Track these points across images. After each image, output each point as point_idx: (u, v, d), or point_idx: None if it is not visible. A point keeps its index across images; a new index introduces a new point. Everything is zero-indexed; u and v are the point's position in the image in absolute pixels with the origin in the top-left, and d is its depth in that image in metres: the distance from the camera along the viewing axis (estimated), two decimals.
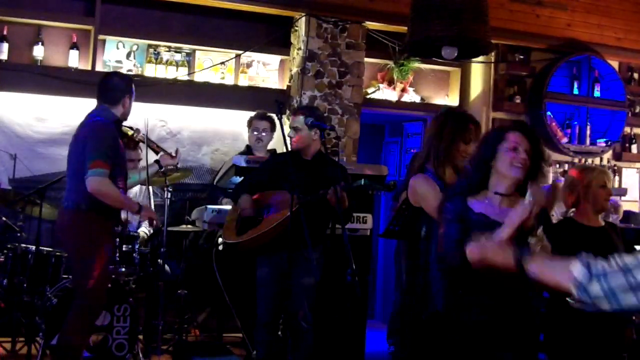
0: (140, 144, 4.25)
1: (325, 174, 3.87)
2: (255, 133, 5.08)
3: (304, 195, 3.66)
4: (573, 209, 3.62)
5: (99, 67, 5.43)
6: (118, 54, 5.57)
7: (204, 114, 5.88)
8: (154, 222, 4.01)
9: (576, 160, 6.73)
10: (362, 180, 3.64)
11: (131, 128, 4.12)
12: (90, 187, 3.57)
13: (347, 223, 4.04)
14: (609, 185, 3.50)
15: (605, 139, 6.77)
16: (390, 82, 6.29)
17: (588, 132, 6.76)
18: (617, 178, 6.85)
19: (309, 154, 3.99)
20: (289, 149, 3.97)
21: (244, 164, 4.57)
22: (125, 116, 3.85)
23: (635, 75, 7.08)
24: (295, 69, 5.81)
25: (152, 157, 4.33)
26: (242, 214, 3.94)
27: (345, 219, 3.85)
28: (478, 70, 6.53)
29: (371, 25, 5.95)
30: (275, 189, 3.95)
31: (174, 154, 4.32)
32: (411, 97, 6.39)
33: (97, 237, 3.71)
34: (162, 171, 4.27)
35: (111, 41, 5.54)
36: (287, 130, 4.05)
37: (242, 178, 4.35)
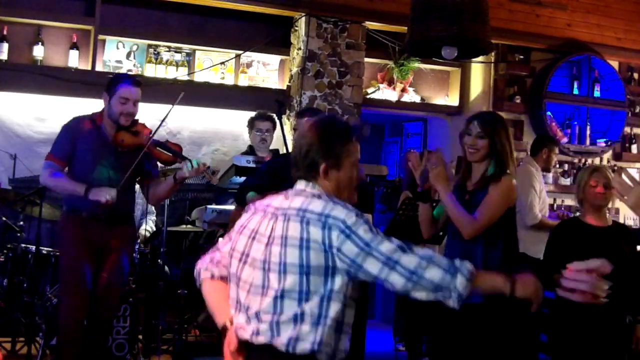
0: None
1: None
2: (259, 134, 5.04)
3: None
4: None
5: (99, 67, 5.43)
6: (118, 54, 5.57)
7: (204, 114, 5.88)
8: (104, 200, 3.50)
9: (576, 160, 6.73)
10: (367, 178, 3.67)
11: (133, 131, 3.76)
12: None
13: None
14: (602, 183, 3.51)
15: (605, 139, 6.77)
16: (390, 82, 6.29)
17: (588, 132, 6.75)
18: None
19: None
20: (289, 150, 3.97)
21: (244, 164, 4.57)
22: (108, 113, 3.68)
23: (635, 75, 7.07)
24: (295, 69, 5.81)
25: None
26: None
27: None
28: (478, 70, 6.53)
29: (371, 25, 5.95)
30: (277, 190, 3.95)
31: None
32: (411, 97, 6.39)
33: (67, 243, 3.68)
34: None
35: (111, 41, 5.54)
36: (287, 130, 4.04)
37: (245, 180, 4.34)
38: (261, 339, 1.96)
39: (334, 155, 2.08)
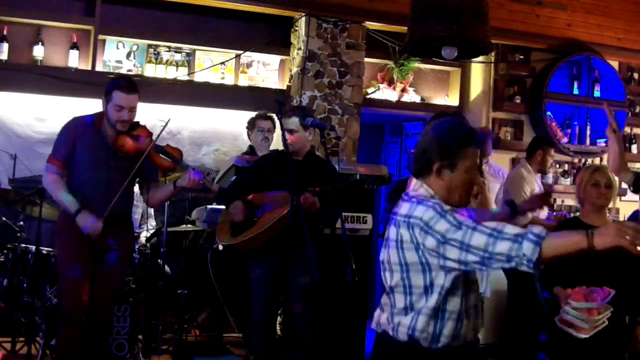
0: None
1: (316, 174, 3.88)
2: (261, 133, 5.03)
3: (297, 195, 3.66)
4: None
5: (99, 67, 5.43)
6: (118, 54, 5.57)
7: (204, 114, 5.88)
8: (87, 232, 3.53)
9: (576, 160, 6.73)
10: (357, 175, 3.68)
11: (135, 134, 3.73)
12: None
13: (330, 226, 4.10)
14: (602, 183, 3.51)
15: (605, 139, 6.77)
16: (390, 82, 6.29)
17: (588, 132, 6.76)
18: (616, 178, 6.84)
19: (301, 154, 3.99)
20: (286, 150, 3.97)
21: (244, 164, 4.57)
22: (106, 118, 3.67)
23: (635, 75, 7.08)
24: (295, 69, 5.81)
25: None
26: (233, 219, 3.93)
27: (325, 222, 3.93)
28: (478, 70, 6.53)
29: (371, 25, 5.95)
30: (266, 189, 3.94)
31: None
32: (411, 97, 6.39)
33: (64, 243, 3.69)
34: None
35: (111, 41, 5.55)
36: None
37: (232, 180, 4.32)
38: (384, 328, 2.26)
39: (449, 156, 2.20)
